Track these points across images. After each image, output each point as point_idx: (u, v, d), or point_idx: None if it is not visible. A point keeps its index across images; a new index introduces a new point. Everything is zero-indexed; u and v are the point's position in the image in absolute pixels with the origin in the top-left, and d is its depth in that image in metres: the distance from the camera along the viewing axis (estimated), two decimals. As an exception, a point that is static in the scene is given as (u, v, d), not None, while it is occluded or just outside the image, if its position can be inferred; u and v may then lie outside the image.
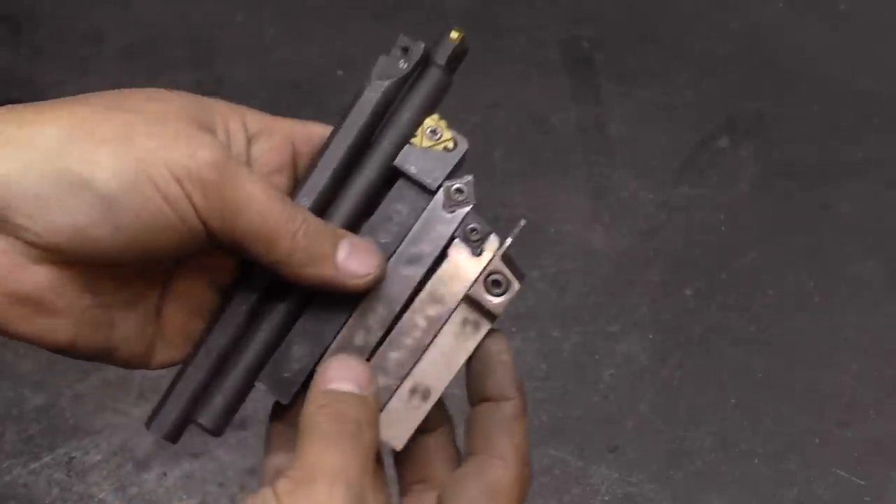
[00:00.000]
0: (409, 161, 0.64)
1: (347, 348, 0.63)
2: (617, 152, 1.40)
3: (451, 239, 0.63)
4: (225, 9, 1.54)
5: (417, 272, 0.64)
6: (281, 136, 0.67)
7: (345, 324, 0.64)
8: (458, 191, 0.65)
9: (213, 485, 1.12)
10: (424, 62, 0.67)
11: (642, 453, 1.13)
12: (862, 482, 1.12)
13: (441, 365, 0.63)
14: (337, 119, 0.66)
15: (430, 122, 0.65)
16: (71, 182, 0.60)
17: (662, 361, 1.20)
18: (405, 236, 0.64)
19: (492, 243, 0.64)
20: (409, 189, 0.64)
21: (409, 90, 0.67)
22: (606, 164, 1.38)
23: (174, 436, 0.64)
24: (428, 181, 0.64)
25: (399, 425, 0.63)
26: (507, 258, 0.64)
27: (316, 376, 0.60)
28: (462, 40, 0.68)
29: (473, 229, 0.64)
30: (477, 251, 0.64)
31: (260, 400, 0.65)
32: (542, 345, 1.20)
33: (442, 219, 0.64)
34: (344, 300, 0.64)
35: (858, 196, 1.36)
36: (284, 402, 0.63)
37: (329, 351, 0.63)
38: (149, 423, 0.64)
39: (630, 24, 1.54)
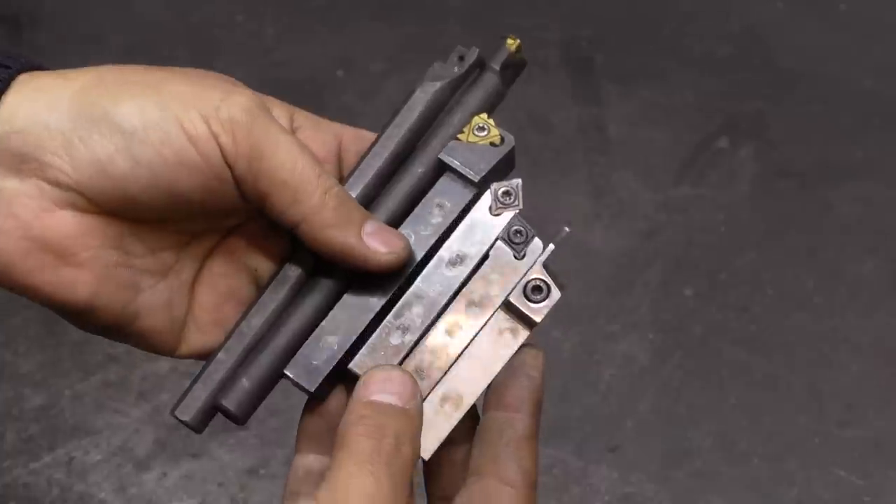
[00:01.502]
0: (453, 155, 0.64)
1: (383, 347, 0.62)
2: (617, 152, 1.40)
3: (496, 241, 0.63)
4: (225, 9, 1.54)
5: (460, 274, 0.63)
6: (328, 133, 0.66)
7: (377, 316, 0.63)
8: (507, 193, 0.64)
9: (213, 485, 1.12)
10: (479, 67, 0.67)
11: (642, 453, 1.13)
12: (862, 482, 1.12)
13: (475, 372, 0.61)
14: (375, 129, 0.66)
15: (479, 119, 0.65)
16: (93, 116, 0.60)
17: (662, 361, 1.20)
18: (447, 230, 0.63)
19: (535, 248, 0.63)
20: (454, 182, 0.64)
21: (463, 94, 0.66)
22: (606, 164, 1.38)
23: (200, 422, 0.63)
24: (471, 174, 0.63)
25: (428, 434, 0.60)
26: (548, 265, 0.63)
27: (358, 386, 0.58)
28: (519, 48, 0.68)
29: (518, 231, 0.63)
30: (520, 254, 0.63)
31: (267, 397, 0.64)
32: (542, 345, 1.20)
33: (488, 221, 0.64)
34: (377, 291, 0.63)
35: (858, 196, 1.36)
36: (310, 389, 0.62)
37: (364, 348, 0.62)
38: (174, 408, 0.62)
39: (630, 24, 1.54)
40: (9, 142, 0.59)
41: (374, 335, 0.62)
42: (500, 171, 0.65)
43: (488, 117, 0.65)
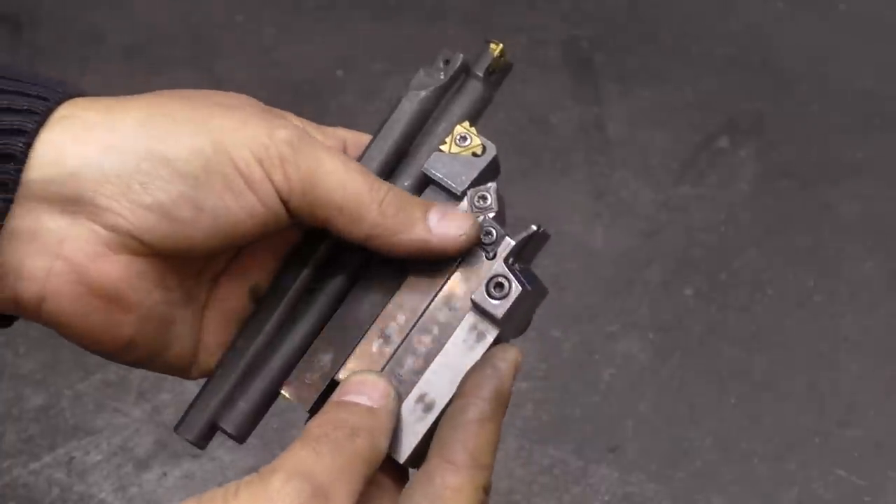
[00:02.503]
0: (436, 167, 0.64)
1: (365, 354, 0.62)
2: (617, 152, 1.40)
3: None
4: (225, 9, 1.54)
5: (438, 279, 0.63)
6: (333, 140, 0.67)
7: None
8: (482, 198, 0.64)
9: (213, 485, 1.12)
10: (464, 74, 0.67)
11: (642, 453, 1.13)
12: (862, 482, 1.12)
13: (445, 375, 0.62)
14: (374, 129, 0.66)
15: (461, 129, 0.65)
16: (152, 161, 0.59)
17: (662, 361, 1.20)
18: None
19: (506, 247, 0.63)
20: (438, 195, 0.64)
21: (448, 102, 0.67)
22: (606, 164, 1.38)
23: (202, 440, 0.64)
24: (453, 186, 0.64)
25: (404, 437, 0.61)
26: (520, 263, 0.63)
27: (335, 392, 0.59)
28: (503, 53, 0.68)
29: (488, 232, 0.63)
30: (490, 254, 0.63)
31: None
32: (542, 345, 1.20)
33: None
34: (368, 307, 0.64)
35: (858, 196, 1.36)
36: (306, 408, 0.63)
37: (350, 358, 0.63)
38: (178, 426, 0.63)
39: (630, 24, 1.54)
40: (63, 186, 0.59)
41: (358, 346, 0.63)
42: (485, 179, 0.65)
43: (471, 126, 0.65)
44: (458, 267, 0.63)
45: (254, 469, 1.20)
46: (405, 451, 0.61)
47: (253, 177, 0.60)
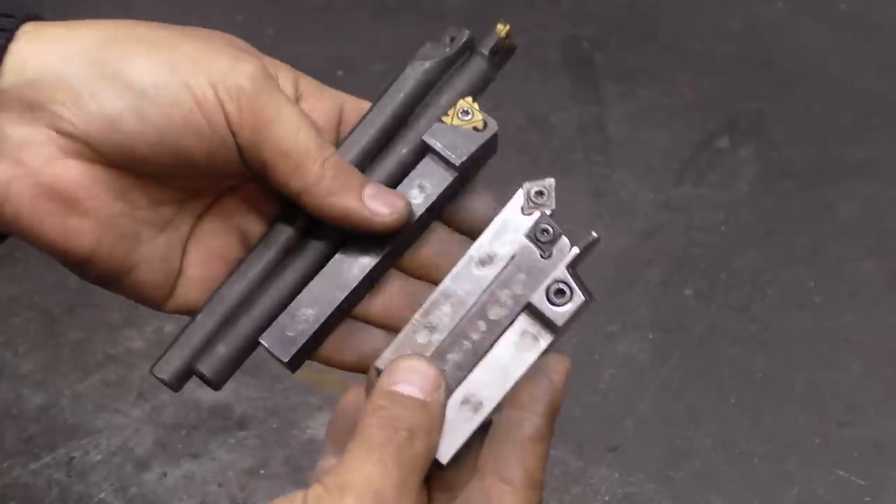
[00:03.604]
0: (436, 137, 0.64)
1: (409, 345, 0.61)
2: (617, 152, 1.40)
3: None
4: (225, 9, 1.54)
5: (489, 273, 0.61)
6: (330, 101, 0.67)
7: (354, 291, 0.63)
8: (539, 193, 0.63)
9: (213, 485, 1.12)
10: (469, 49, 0.68)
11: (642, 453, 1.13)
12: (862, 482, 1.12)
13: (496, 376, 0.59)
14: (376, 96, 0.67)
15: (463, 103, 0.65)
16: (105, 72, 0.61)
17: (662, 361, 1.20)
18: (428, 210, 0.63)
19: (562, 247, 0.61)
20: (436, 165, 0.64)
21: (451, 75, 0.68)
22: (606, 164, 1.38)
23: (177, 381, 0.64)
24: (452, 157, 0.64)
25: (446, 437, 0.58)
26: (575, 269, 0.61)
27: (382, 375, 0.58)
28: (509, 34, 0.68)
29: (545, 230, 0.62)
30: (546, 253, 0.61)
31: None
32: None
33: (519, 221, 0.63)
34: (356, 267, 0.64)
35: (858, 196, 1.36)
36: (284, 359, 0.63)
37: (391, 346, 0.61)
38: (154, 366, 0.64)
39: (630, 24, 1.54)
40: (21, 91, 0.61)
41: (402, 333, 0.61)
42: (484, 155, 0.65)
43: (473, 101, 0.66)
44: (511, 261, 0.61)
45: (254, 469, 1.20)
46: (449, 452, 0.58)
47: (204, 99, 0.61)
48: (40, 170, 0.61)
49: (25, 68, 0.61)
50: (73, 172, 0.62)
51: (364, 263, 0.64)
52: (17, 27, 0.62)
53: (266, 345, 0.63)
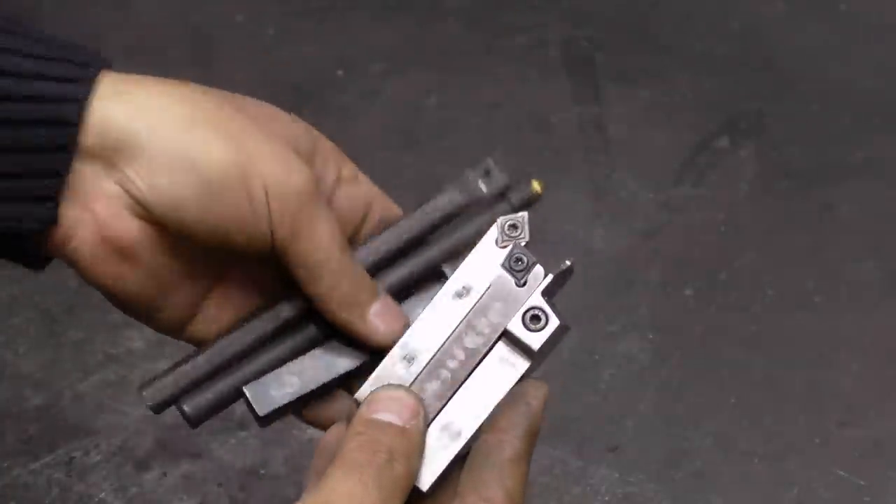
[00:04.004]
0: (451, 268, 0.69)
1: (388, 377, 0.62)
2: (617, 152, 1.40)
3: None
4: (225, 9, 1.54)
5: (466, 304, 0.63)
6: (363, 193, 0.75)
7: (338, 379, 0.67)
8: (513, 227, 0.65)
9: (213, 485, 1.12)
10: (500, 193, 0.72)
11: (642, 453, 1.13)
12: (862, 482, 1.12)
13: (474, 403, 0.61)
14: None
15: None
16: (182, 157, 0.68)
17: (662, 361, 1.20)
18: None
19: (537, 275, 0.62)
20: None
21: (475, 214, 0.72)
22: (606, 164, 1.38)
23: (158, 409, 0.71)
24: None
25: (427, 464, 0.59)
26: (550, 295, 0.62)
27: (361, 406, 0.60)
28: (540, 193, 0.71)
29: (519, 259, 0.63)
30: (521, 281, 0.63)
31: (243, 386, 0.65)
32: (542, 345, 1.20)
33: (494, 253, 0.64)
34: (348, 358, 0.69)
35: (858, 196, 1.36)
36: (260, 413, 0.67)
37: (370, 378, 0.62)
38: (142, 386, 0.70)
39: (630, 24, 1.54)
40: (104, 151, 0.68)
41: (380, 366, 0.62)
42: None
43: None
44: (487, 290, 0.62)
45: (254, 470, 1.20)
46: (429, 479, 0.59)
47: (257, 201, 0.69)
48: (106, 221, 0.69)
49: (109, 131, 0.68)
50: (133, 229, 0.69)
51: (355, 357, 0.69)
52: (94, 77, 0.68)
53: (248, 395, 0.68)
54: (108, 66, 0.71)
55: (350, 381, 0.69)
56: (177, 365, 0.71)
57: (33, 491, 1.10)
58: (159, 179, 0.68)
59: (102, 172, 0.69)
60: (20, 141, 0.67)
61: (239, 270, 0.74)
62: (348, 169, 0.75)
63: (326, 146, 0.74)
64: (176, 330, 0.73)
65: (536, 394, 0.62)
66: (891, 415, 1.17)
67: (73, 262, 0.70)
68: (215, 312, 0.73)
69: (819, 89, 1.47)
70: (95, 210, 0.69)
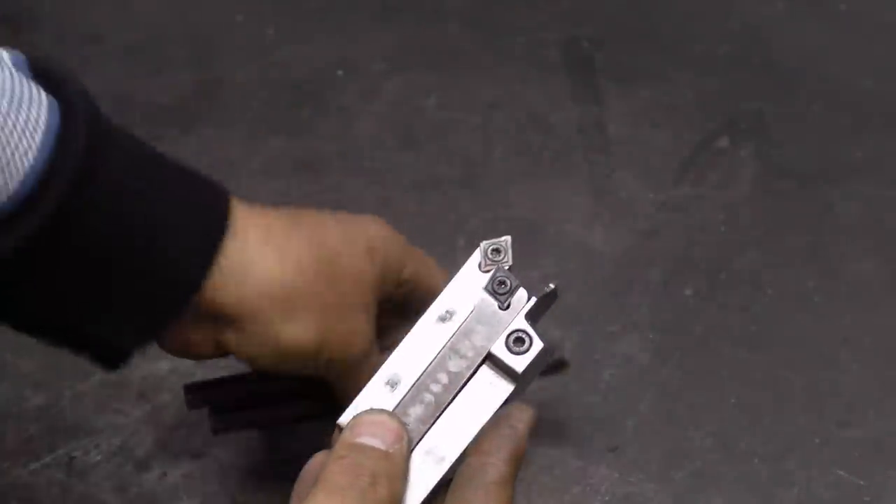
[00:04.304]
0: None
1: (370, 402, 0.62)
2: (617, 152, 1.40)
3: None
4: (225, 9, 1.54)
5: (449, 328, 0.63)
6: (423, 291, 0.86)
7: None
8: (496, 251, 0.65)
9: (213, 485, 1.12)
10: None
11: (642, 453, 1.13)
12: (862, 482, 1.12)
13: (458, 427, 0.61)
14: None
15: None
16: (275, 342, 0.77)
17: (662, 361, 1.20)
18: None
19: (520, 298, 0.63)
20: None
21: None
22: (606, 164, 1.38)
23: (193, 405, 0.84)
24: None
25: (411, 490, 0.60)
26: (532, 319, 0.62)
27: (344, 431, 0.60)
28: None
29: (501, 282, 0.63)
30: (504, 304, 0.63)
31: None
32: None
33: (477, 277, 0.64)
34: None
35: (858, 196, 1.36)
36: (213, 429, 0.89)
37: (352, 405, 0.63)
38: (189, 384, 0.87)
39: (630, 24, 1.54)
40: (210, 318, 0.78)
41: (363, 391, 0.63)
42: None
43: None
44: (470, 314, 0.62)
45: (254, 470, 1.20)
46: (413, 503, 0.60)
47: (317, 356, 0.81)
48: (187, 346, 0.81)
49: (218, 312, 0.77)
50: (210, 347, 0.82)
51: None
52: (214, 255, 0.76)
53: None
54: (228, 211, 0.77)
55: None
56: (227, 379, 0.87)
57: (33, 491, 1.10)
58: (247, 348, 0.79)
59: (200, 324, 0.78)
60: (132, 293, 0.74)
61: None
62: (429, 276, 0.87)
63: (414, 258, 0.86)
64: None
65: (521, 417, 0.62)
66: (891, 415, 1.17)
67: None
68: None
69: (819, 89, 1.47)
70: (185, 342, 0.81)
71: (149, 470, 1.12)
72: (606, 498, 1.11)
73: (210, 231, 0.73)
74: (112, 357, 0.80)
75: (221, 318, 0.77)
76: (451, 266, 1.28)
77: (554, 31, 1.53)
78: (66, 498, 1.10)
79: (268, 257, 0.75)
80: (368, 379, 0.81)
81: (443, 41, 1.52)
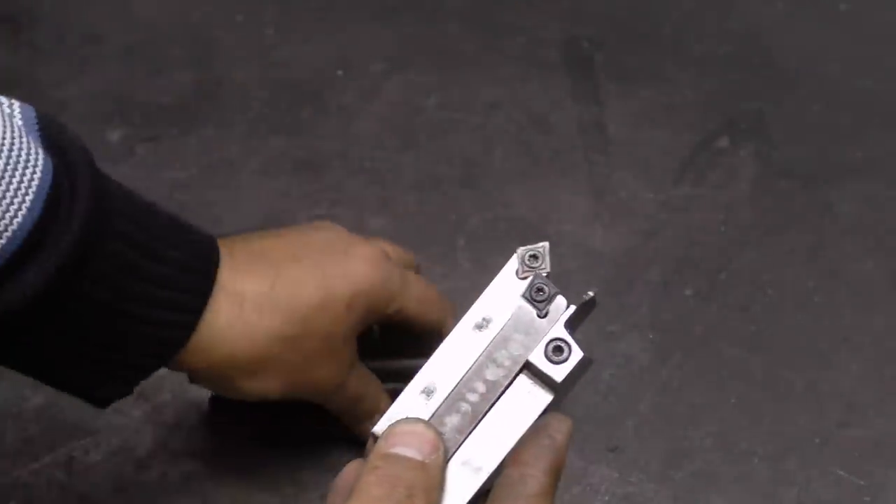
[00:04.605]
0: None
1: (405, 410, 0.61)
2: (617, 152, 1.40)
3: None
4: (225, 9, 1.54)
5: (486, 336, 0.62)
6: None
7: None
8: (533, 257, 0.63)
9: (213, 485, 1.12)
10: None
11: (642, 453, 1.13)
12: (862, 482, 1.12)
13: (495, 437, 0.60)
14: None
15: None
16: (237, 394, 0.87)
17: (662, 361, 1.20)
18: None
19: (558, 306, 0.61)
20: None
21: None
22: (606, 164, 1.38)
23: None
24: None
25: (447, 500, 0.59)
26: (571, 328, 0.61)
27: (379, 440, 0.59)
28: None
29: (540, 289, 0.62)
30: (542, 312, 0.62)
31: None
32: (542, 345, 1.19)
33: (514, 285, 0.63)
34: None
35: (858, 196, 1.36)
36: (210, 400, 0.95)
37: (387, 413, 0.61)
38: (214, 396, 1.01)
39: (630, 24, 1.54)
40: (208, 370, 0.85)
41: (398, 399, 0.61)
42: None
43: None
44: (507, 322, 0.61)
45: (254, 470, 1.19)
46: None
47: (319, 392, 0.91)
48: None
49: (232, 357, 0.83)
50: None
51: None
52: (213, 279, 0.81)
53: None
54: (216, 268, 0.81)
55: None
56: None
57: (33, 491, 1.10)
58: (216, 391, 0.93)
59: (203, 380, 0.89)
60: (116, 352, 0.78)
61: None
62: (425, 301, 0.93)
63: (407, 283, 0.89)
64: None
65: (560, 427, 0.60)
66: (891, 415, 1.17)
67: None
68: None
69: (819, 89, 1.47)
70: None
71: (149, 470, 1.12)
72: (606, 498, 1.11)
73: (195, 298, 0.79)
74: (93, 400, 0.86)
75: (191, 372, 0.86)
76: (451, 266, 1.29)
77: (554, 31, 1.53)
78: (66, 498, 1.10)
79: (237, 335, 0.81)
80: (358, 390, 0.91)
81: (443, 41, 1.52)
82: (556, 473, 0.59)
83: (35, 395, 1.16)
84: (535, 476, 0.59)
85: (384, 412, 0.64)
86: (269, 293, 0.80)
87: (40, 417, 1.14)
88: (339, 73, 1.48)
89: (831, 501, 1.12)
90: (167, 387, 1.16)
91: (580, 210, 1.34)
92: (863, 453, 1.15)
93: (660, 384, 1.19)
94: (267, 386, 0.85)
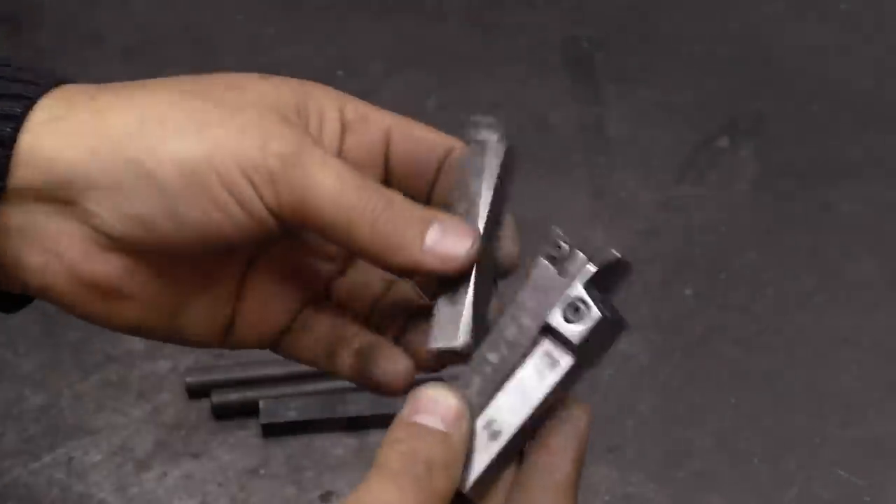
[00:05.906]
0: None
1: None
2: (617, 152, 1.40)
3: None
4: (225, 9, 1.54)
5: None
6: (377, 130, 0.66)
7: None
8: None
9: (213, 485, 1.12)
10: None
11: (642, 453, 1.13)
12: (862, 482, 1.12)
13: (515, 402, 0.57)
14: None
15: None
16: (137, 173, 0.59)
17: (662, 361, 1.20)
18: None
19: (579, 264, 0.59)
20: None
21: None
22: (606, 164, 1.38)
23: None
24: None
25: (468, 465, 0.57)
26: (603, 291, 0.59)
27: (405, 406, 0.57)
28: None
29: (557, 245, 0.60)
30: (562, 272, 0.59)
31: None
32: (542, 345, 1.19)
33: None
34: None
35: (858, 196, 1.36)
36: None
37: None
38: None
39: (630, 24, 1.54)
40: (53, 190, 0.60)
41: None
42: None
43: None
44: (526, 279, 0.59)
45: (254, 469, 1.20)
46: (469, 480, 0.57)
47: (241, 194, 0.59)
48: (78, 264, 0.61)
49: (55, 165, 0.60)
50: (111, 266, 0.62)
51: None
52: (40, 95, 0.61)
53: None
54: (50, 86, 0.63)
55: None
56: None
57: (33, 491, 1.10)
58: (121, 205, 0.59)
59: (62, 212, 0.61)
60: None
61: (264, 261, 0.67)
62: (352, 109, 0.66)
63: (318, 92, 0.65)
64: (217, 343, 0.67)
65: (582, 415, 0.59)
66: (891, 415, 1.17)
67: (60, 306, 0.65)
68: (257, 310, 0.66)
69: (819, 89, 1.47)
70: (63, 253, 0.61)
71: (149, 470, 1.12)
72: (606, 498, 1.11)
73: (19, 97, 0.62)
74: None
75: (67, 184, 0.61)
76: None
77: (554, 31, 1.53)
78: (66, 498, 1.10)
79: (91, 103, 0.62)
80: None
81: (443, 41, 1.52)
82: (581, 463, 0.58)
83: (35, 395, 1.16)
84: (562, 465, 0.58)
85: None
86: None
87: (40, 417, 1.15)
88: (339, 73, 1.48)
89: (831, 501, 1.12)
90: (167, 387, 1.16)
91: (580, 210, 1.34)
92: (863, 453, 1.15)
93: (660, 384, 1.19)
94: (158, 156, 0.60)
